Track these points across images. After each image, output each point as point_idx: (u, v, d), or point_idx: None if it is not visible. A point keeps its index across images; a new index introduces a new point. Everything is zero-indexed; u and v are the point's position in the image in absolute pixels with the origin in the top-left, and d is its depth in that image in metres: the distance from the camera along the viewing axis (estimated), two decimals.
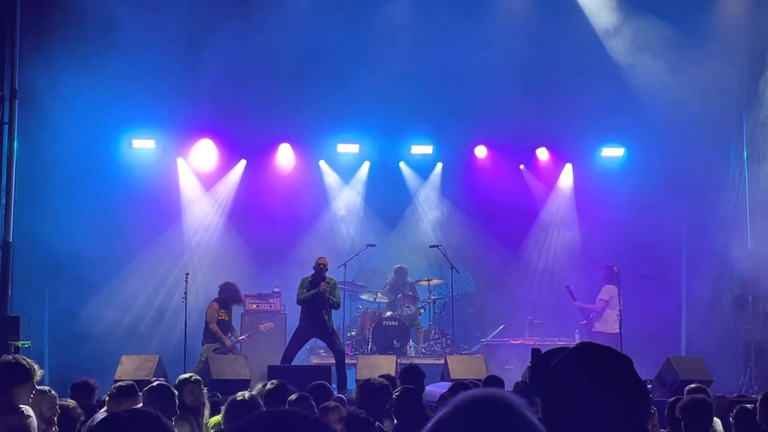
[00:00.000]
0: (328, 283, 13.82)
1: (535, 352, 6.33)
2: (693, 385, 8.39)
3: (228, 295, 14.42)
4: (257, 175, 18.17)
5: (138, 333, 16.31)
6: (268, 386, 7.66)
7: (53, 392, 7.08)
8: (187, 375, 8.20)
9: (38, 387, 6.57)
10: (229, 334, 14.27)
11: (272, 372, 11.81)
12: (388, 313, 16.47)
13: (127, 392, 7.49)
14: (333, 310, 13.96)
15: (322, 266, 13.89)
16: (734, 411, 7.41)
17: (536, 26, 16.80)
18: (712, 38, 16.48)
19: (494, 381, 8.54)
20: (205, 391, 7.98)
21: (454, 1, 16.73)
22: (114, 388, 7.61)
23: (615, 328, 14.91)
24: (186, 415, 7.65)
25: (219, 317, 14.23)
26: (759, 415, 6.94)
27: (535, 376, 2.58)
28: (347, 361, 15.42)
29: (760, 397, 6.99)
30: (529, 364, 8.52)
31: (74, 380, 9.47)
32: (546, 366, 2.45)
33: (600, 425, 2.27)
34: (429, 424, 1.92)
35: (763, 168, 16.93)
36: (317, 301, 13.63)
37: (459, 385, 8.33)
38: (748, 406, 7.29)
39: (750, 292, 16.62)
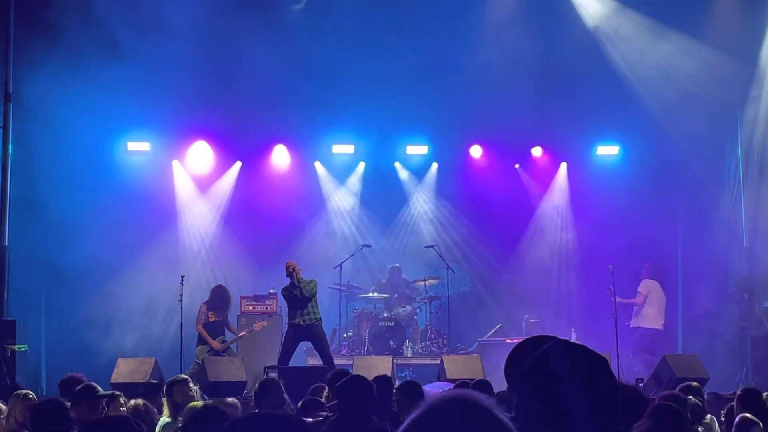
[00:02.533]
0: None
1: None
2: (686, 383, 8.41)
3: (217, 299, 14.44)
4: (253, 176, 18.18)
5: (134, 336, 16.30)
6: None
7: (31, 395, 7.10)
8: (175, 377, 8.43)
9: (16, 391, 6.60)
10: (223, 336, 14.26)
11: (269, 373, 11.80)
12: (385, 314, 16.48)
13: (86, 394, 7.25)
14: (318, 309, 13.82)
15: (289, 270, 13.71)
16: (725, 409, 7.42)
17: (531, 26, 16.79)
18: (706, 37, 16.50)
19: (483, 385, 8.52)
20: (197, 389, 8.06)
21: (449, 3, 16.72)
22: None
23: (656, 325, 15.00)
24: (178, 415, 7.72)
25: (209, 319, 14.23)
26: (735, 413, 6.94)
27: (508, 371, 2.58)
28: (344, 362, 15.44)
29: (736, 395, 6.97)
30: None
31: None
32: (519, 361, 2.45)
33: (574, 424, 2.28)
34: (402, 426, 1.95)
35: (758, 166, 16.96)
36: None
37: (462, 386, 8.33)
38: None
39: (746, 289, 16.64)
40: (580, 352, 2.42)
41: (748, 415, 6.94)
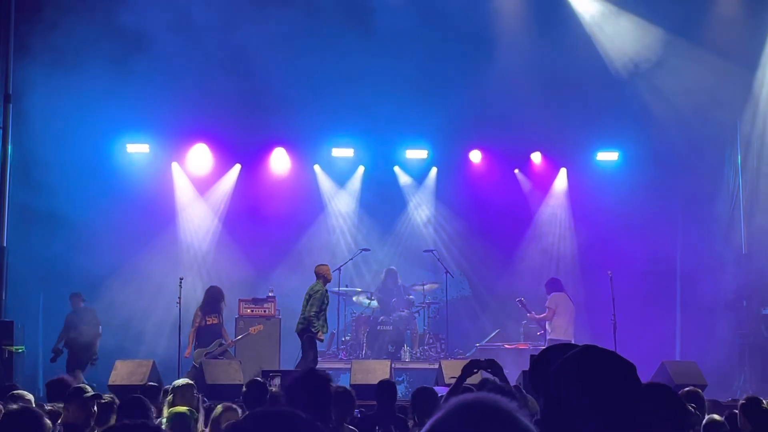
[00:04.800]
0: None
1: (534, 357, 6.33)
2: (686, 389, 8.38)
3: (210, 300, 14.38)
4: (252, 179, 18.16)
5: (132, 337, 16.27)
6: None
7: (29, 397, 7.10)
8: (180, 381, 8.40)
9: (13, 392, 6.59)
10: (221, 339, 14.22)
11: (266, 376, 11.80)
12: (383, 318, 16.46)
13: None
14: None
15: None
16: (724, 415, 7.38)
17: (532, 33, 16.80)
18: (707, 44, 16.51)
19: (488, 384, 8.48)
20: (199, 397, 8.03)
21: (449, 8, 16.71)
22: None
23: (564, 336, 14.98)
24: None
25: (207, 323, 14.17)
26: (740, 421, 6.91)
27: (534, 377, 2.57)
28: (342, 366, 15.43)
29: (739, 404, 6.92)
30: (524, 369, 8.52)
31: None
32: (545, 366, 2.43)
33: (598, 428, 2.27)
34: (423, 430, 1.91)
35: (757, 173, 16.98)
36: None
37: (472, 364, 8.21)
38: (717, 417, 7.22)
39: (744, 296, 16.65)
40: (609, 358, 2.41)
41: (715, 416, 6.95)
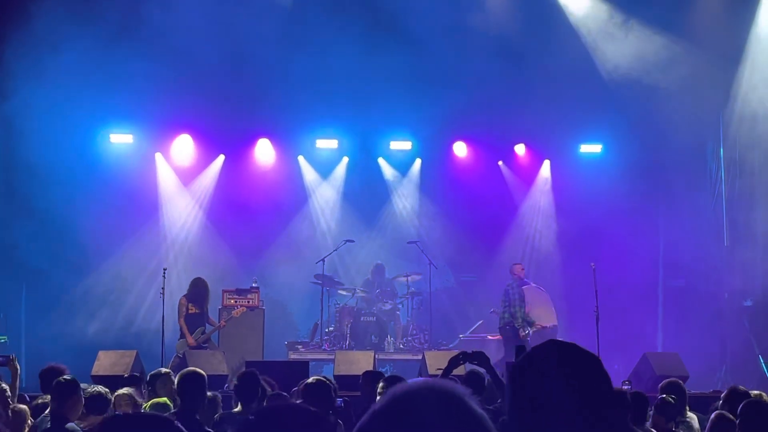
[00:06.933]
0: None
1: (519, 349, 6.34)
2: (667, 380, 8.44)
3: (197, 291, 14.33)
4: (236, 170, 18.12)
5: (115, 328, 16.23)
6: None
7: (3, 385, 7.09)
8: (159, 370, 8.47)
9: None
10: (203, 327, 14.18)
11: (250, 367, 11.77)
12: (366, 309, 16.48)
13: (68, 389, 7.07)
14: None
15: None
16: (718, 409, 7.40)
17: (515, 24, 16.80)
18: (689, 37, 16.55)
19: (475, 377, 8.51)
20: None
21: (434, 1, 16.67)
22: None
23: (545, 322, 15.08)
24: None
25: (189, 311, 14.13)
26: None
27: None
28: (325, 357, 15.44)
29: (713, 416, 6.86)
30: (508, 361, 8.55)
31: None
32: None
33: (566, 424, 2.22)
34: (363, 417, 1.81)
35: (739, 166, 17.05)
36: None
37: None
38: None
39: (726, 289, 16.75)
40: (571, 350, 2.37)
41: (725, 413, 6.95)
